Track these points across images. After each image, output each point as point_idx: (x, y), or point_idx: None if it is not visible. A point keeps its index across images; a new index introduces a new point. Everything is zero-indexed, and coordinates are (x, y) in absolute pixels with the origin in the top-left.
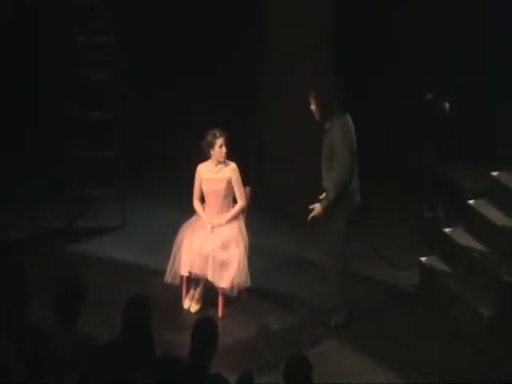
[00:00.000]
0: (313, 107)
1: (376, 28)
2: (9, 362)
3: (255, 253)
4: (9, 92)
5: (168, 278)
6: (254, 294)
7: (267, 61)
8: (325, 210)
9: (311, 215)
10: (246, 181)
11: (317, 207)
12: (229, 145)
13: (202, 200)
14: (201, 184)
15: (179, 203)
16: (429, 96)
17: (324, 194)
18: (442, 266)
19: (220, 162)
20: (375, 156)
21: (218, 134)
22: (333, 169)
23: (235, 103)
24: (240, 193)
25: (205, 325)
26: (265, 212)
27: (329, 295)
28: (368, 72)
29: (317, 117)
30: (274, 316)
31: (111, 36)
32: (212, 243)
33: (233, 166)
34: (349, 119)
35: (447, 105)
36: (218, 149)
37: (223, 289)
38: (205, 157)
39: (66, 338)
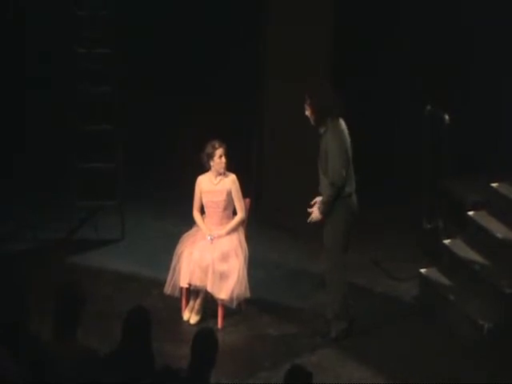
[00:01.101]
0: (308, 113)
1: (377, 32)
2: (9, 373)
3: (255, 265)
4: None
5: (168, 290)
6: (253, 306)
7: (267, 71)
8: (322, 212)
9: (310, 219)
10: (245, 192)
11: (314, 211)
12: (228, 156)
13: (202, 211)
14: (201, 196)
15: (179, 215)
16: (429, 108)
17: (317, 199)
18: (441, 278)
19: (220, 174)
20: (375, 167)
21: (217, 145)
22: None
23: (235, 114)
24: (240, 205)
25: (205, 336)
26: (265, 224)
27: (329, 305)
28: (368, 85)
29: (312, 122)
30: (273, 327)
31: (111, 47)
32: (212, 255)
33: (233, 177)
34: (342, 124)
35: (447, 116)
36: (218, 159)
37: (223, 300)
38: (205, 168)
39: (65, 349)
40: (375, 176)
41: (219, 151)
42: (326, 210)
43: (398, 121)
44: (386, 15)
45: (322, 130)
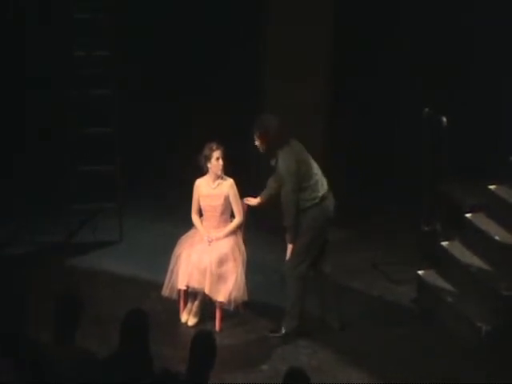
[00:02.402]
0: (257, 143)
1: (377, 32)
2: (8, 377)
3: (254, 268)
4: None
5: (165, 292)
6: (251, 309)
7: (267, 71)
8: (291, 240)
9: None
10: (244, 194)
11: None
12: (226, 159)
13: (201, 214)
14: (199, 199)
15: (177, 217)
16: (427, 110)
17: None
18: (439, 280)
19: (217, 177)
20: (374, 170)
21: (214, 147)
22: None
23: (235, 114)
24: (238, 209)
25: (203, 339)
26: (264, 228)
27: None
28: (368, 85)
29: (262, 151)
30: (272, 331)
31: (111, 50)
32: (210, 257)
33: (230, 182)
34: (294, 146)
35: (444, 119)
36: (215, 161)
37: (221, 302)
38: (203, 170)
39: (64, 352)
40: (373, 189)
41: (216, 153)
42: (294, 234)
43: (397, 121)
44: (385, 15)
45: (273, 162)
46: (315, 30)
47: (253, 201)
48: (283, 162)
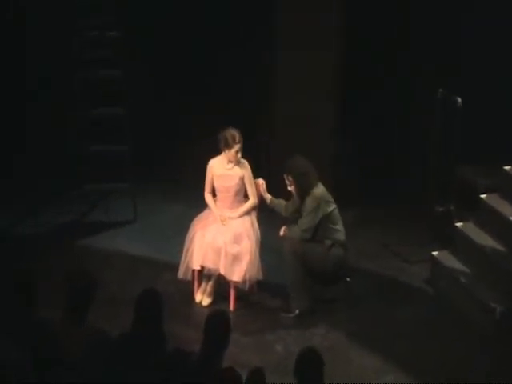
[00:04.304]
0: (290, 188)
1: (386, 25)
2: (18, 358)
3: (267, 249)
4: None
5: (180, 273)
6: (265, 289)
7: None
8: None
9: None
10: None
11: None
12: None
13: (214, 194)
14: (212, 179)
15: (192, 198)
16: (441, 91)
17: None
18: (453, 261)
19: (231, 162)
20: (388, 150)
21: (237, 140)
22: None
23: (248, 102)
24: (252, 190)
25: (217, 318)
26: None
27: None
28: (381, 67)
29: (296, 195)
30: (285, 311)
31: (120, 31)
32: (224, 237)
33: (245, 163)
34: (321, 189)
35: (459, 99)
36: (234, 153)
37: (236, 282)
38: (216, 152)
39: (77, 334)
40: (387, 169)
41: (237, 146)
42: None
43: (410, 116)
44: (387, 15)
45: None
46: (325, 29)
47: (262, 188)
48: (312, 202)
